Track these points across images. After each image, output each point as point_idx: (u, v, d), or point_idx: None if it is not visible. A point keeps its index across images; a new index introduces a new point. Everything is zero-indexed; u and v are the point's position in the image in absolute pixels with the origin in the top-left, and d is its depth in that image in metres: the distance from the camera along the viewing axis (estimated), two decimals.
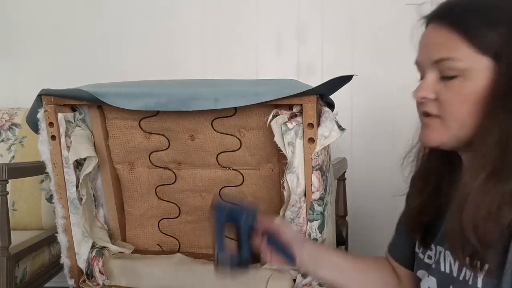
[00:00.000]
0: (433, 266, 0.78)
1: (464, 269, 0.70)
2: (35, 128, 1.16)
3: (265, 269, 1.12)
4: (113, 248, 1.25)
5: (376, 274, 0.92)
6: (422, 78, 0.75)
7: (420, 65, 0.73)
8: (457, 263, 0.73)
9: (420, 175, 0.83)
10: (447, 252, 0.75)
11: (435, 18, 0.72)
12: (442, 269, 0.75)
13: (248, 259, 0.84)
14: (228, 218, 0.84)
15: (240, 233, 0.84)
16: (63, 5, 2.28)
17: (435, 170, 0.80)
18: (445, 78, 0.69)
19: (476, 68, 0.66)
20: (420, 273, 0.83)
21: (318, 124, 1.00)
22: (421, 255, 0.83)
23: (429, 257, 0.81)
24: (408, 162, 0.86)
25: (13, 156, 1.78)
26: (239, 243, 0.84)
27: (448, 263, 0.74)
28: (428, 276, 0.78)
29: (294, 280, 1.09)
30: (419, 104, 0.73)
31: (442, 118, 0.70)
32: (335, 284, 0.91)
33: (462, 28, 0.67)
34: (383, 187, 2.14)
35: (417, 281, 0.83)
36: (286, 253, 0.84)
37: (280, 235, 0.85)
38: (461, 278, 0.71)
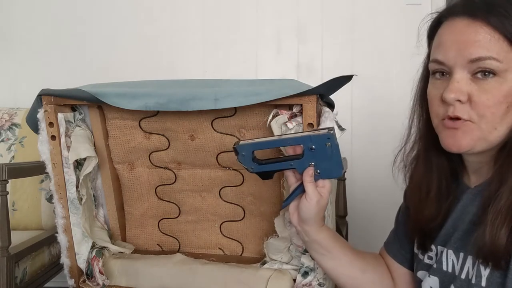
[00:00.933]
0: (435, 266, 0.78)
1: (467, 267, 0.70)
2: (35, 128, 1.16)
3: (265, 269, 1.13)
4: (113, 248, 1.25)
5: (374, 275, 0.92)
6: (437, 74, 0.71)
7: (446, 64, 0.69)
8: (460, 262, 0.72)
9: (419, 179, 0.81)
10: (450, 252, 0.74)
11: (467, 13, 0.67)
12: (444, 268, 0.75)
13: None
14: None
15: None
16: (63, 5, 2.28)
17: (435, 174, 0.79)
18: (479, 78, 0.66)
19: None
20: (420, 273, 0.82)
21: (318, 124, 1.00)
22: (420, 256, 0.83)
23: (429, 258, 0.80)
24: (397, 166, 0.85)
25: (13, 156, 1.78)
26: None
27: (450, 262, 0.74)
28: (429, 276, 0.78)
29: (294, 280, 1.09)
30: (445, 106, 0.69)
31: (474, 121, 0.67)
32: (329, 271, 0.91)
33: (506, 29, 0.64)
34: (383, 187, 2.14)
35: (417, 282, 0.83)
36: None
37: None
38: (463, 276, 0.70)
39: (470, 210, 0.73)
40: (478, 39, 0.65)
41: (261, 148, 0.89)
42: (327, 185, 0.83)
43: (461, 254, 0.72)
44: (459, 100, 0.67)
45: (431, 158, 0.79)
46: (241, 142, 0.88)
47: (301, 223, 0.85)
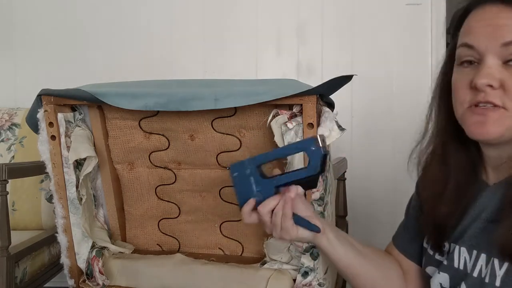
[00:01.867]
0: (445, 262, 0.76)
1: (480, 266, 0.69)
2: (35, 128, 1.16)
3: (265, 269, 1.13)
4: (113, 248, 1.25)
5: (392, 272, 0.89)
6: (465, 63, 0.70)
7: (477, 49, 0.68)
8: (472, 260, 0.71)
9: (435, 175, 0.79)
10: (463, 249, 0.73)
11: (500, 0, 0.66)
12: (456, 265, 0.74)
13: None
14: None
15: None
16: (63, 5, 2.28)
17: (453, 170, 0.77)
18: (511, 65, 0.65)
19: None
20: (429, 269, 0.81)
21: (318, 124, 1.00)
22: (430, 251, 0.81)
23: (442, 254, 0.79)
24: (414, 163, 0.84)
25: (13, 156, 1.78)
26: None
27: (462, 259, 0.73)
28: (439, 273, 0.76)
29: (294, 280, 1.09)
30: (474, 93, 0.68)
31: (506, 107, 0.65)
32: (346, 268, 0.87)
33: None
34: (383, 187, 2.14)
35: (426, 277, 0.82)
36: (307, 223, 0.82)
37: (297, 208, 0.82)
38: (475, 275, 0.69)
39: (487, 208, 0.71)
40: (510, 23, 0.64)
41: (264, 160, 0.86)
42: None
43: (475, 252, 0.71)
44: (490, 86, 0.65)
45: (449, 153, 0.77)
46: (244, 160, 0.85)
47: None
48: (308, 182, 0.82)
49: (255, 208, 0.83)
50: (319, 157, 0.79)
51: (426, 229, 0.82)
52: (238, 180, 0.85)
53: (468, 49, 0.69)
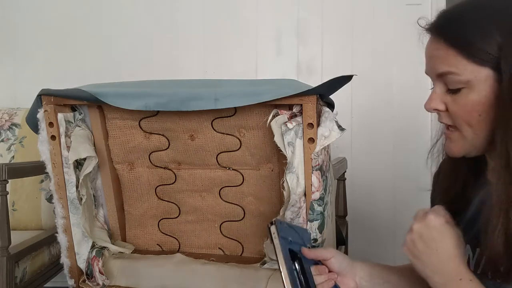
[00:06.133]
0: None
1: (483, 263, 0.70)
2: (35, 128, 1.16)
3: (265, 269, 1.13)
4: (113, 248, 1.25)
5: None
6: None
7: (429, 76, 0.74)
8: (475, 258, 0.73)
9: (445, 176, 0.83)
10: (467, 246, 0.74)
11: (433, 31, 0.72)
12: None
13: None
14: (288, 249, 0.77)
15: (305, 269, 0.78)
16: (63, 5, 2.28)
17: (462, 171, 0.80)
18: (451, 90, 0.70)
19: (478, 80, 0.67)
20: None
21: (318, 124, 1.00)
22: None
23: None
24: (433, 159, 0.86)
25: (13, 156, 1.78)
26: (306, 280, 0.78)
27: (466, 257, 0.73)
28: None
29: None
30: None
31: (458, 129, 0.71)
32: None
33: (459, 44, 0.67)
34: (383, 187, 2.14)
35: None
36: None
37: (330, 267, 0.83)
38: (479, 272, 0.71)
39: (486, 207, 0.73)
40: (440, 55, 0.70)
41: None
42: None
43: (477, 250, 0.72)
44: (436, 109, 0.72)
45: (457, 158, 0.81)
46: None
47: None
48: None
49: None
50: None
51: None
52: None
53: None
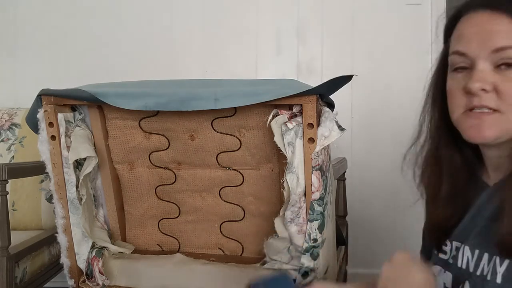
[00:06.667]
0: (451, 261, 0.77)
1: (483, 265, 0.69)
2: (35, 128, 1.16)
3: (265, 269, 1.13)
4: (113, 248, 1.25)
5: None
6: (458, 69, 0.71)
7: (468, 55, 0.69)
8: (474, 259, 0.71)
9: (430, 178, 0.80)
10: (466, 248, 0.73)
11: (489, 6, 0.68)
12: (459, 264, 0.74)
13: None
14: None
15: None
16: (63, 5, 2.28)
17: (448, 173, 0.78)
18: (503, 68, 0.66)
19: None
20: (435, 268, 0.81)
21: (318, 124, 1.00)
22: (435, 251, 0.82)
23: (444, 253, 0.80)
24: (407, 163, 0.84)
25: (13, 156, 1.78)
26: None
27: (465, 258, 0.73)
28: (444, 272, 0.77)
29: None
30: (469, 98, 0.69)
31: (501, 111, 0.67)
32: None
33: None
34: (383, 187, 2.14)
35: None
36: None
37: None
38: (478, 273, 0.70)
39: (488, 207, 0.72)
40: (500, 29, 0.66)
41: None
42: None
43: (477, 251, 0.71)
44: (484, 90, 0.67)
45: (442, 157, 0.78)
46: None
47: None
48: None
49: None
50: None
51: (427, 228, 0.83)
52: None
53: (459, 57, 0.71)
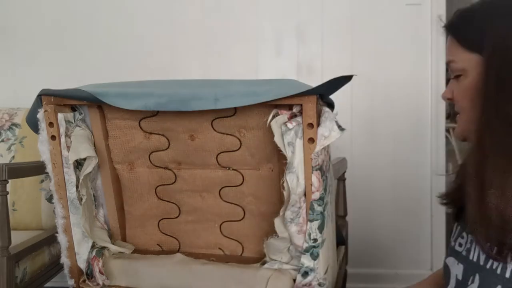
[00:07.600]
0: (464, 253, 0.80)
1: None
2: (35, 128, 1.16)
3: (265, 269, 1.13)
4: (113, 248, 1.25)
5: None
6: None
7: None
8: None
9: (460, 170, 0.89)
10: (468, 237, 0.78)
11: (446, 28, 0.83)
12: (471, 257, 0.77)
13: None
14: None
15: None
16: (63, 5, 2.28)
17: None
18: (455, 78, 0.80)
19: (470, 66, 0.76)
20: (449, 260, 0.84)
21: (318, 124, 1.00)
22: (452, 242, 0.85)
23: (460, 245, 0.82)
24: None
25: (13, 156, 1.78)
26: None
27: (477, 252, 0.76)
28: (457, 264, 0.80)
29: (294, 280, 1.09)
30: None
31: (460, 112, 0.81)
32: None
33: (456, 34, 0.79)
34: (383, 187, 2.14)
35: (445, 268, 0.84)
36: None
37: None
38: (488, 266, 0.72)
39: None
40: (447, 46, 0.82)
41: None
42: None
43: (487, 245, 0.73)
44: (449, 99, 0.82)
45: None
46: None
47: None
48: None
49: None
50: None
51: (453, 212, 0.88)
52: None
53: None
